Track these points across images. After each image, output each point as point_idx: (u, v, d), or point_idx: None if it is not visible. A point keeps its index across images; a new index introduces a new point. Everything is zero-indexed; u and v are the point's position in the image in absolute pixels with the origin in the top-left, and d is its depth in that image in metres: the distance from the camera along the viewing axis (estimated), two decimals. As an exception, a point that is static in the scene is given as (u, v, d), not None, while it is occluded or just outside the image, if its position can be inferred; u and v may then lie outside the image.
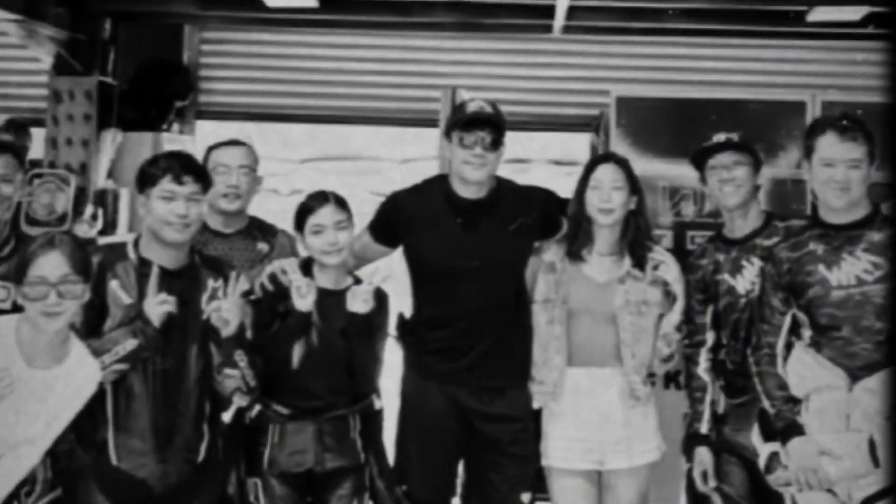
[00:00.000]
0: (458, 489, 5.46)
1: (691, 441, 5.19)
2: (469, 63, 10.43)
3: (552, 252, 5.21)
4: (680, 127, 6.62)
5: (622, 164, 5.17)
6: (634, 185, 5.13)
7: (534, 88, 10.45)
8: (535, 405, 5.17)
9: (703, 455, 5.13)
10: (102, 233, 8.72)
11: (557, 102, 10.40)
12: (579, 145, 9.87)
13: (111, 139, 9.36)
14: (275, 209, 6.43)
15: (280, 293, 4.91)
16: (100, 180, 9.22)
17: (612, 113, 6.86)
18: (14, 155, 5.29)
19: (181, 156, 4.78)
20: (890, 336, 4.45)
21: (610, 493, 5.11)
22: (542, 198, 5.39)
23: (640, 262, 5.13)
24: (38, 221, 8.09)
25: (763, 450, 4.72)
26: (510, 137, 5.23)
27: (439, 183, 5.36)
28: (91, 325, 4.51)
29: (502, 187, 5.29)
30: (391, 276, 5.12)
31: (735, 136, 5.23)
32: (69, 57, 9.19)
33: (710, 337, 5.18)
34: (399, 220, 5.28)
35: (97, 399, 4.44)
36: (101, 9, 9.48)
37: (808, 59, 10.18)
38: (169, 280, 4.56)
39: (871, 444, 4.39)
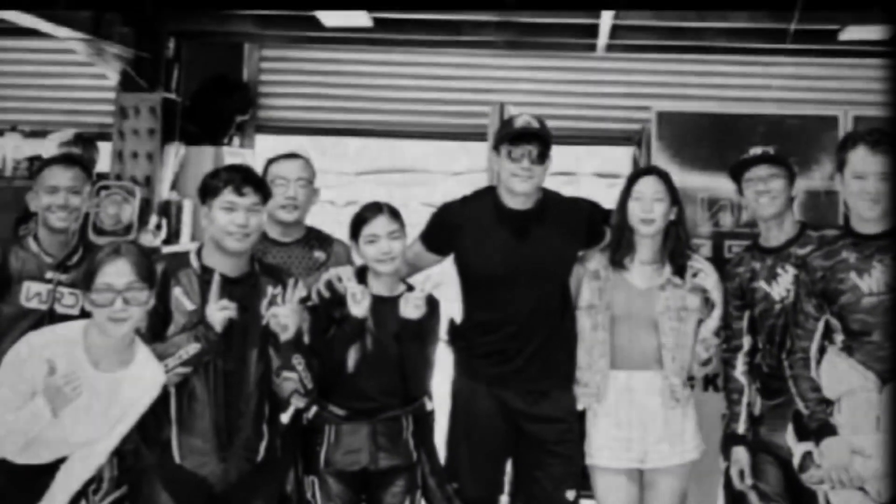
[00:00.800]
0: (507, 487, 5.53)
1: (729, 441, 5.26)
2: (517, 80, 10.49)
3: (596, 260, 5.30)
4: (718, 141, 6.63)
5: (663, 176, 5.25)
6: (675, 196, 5.20)
7: (578, 104, 10.49)
8: (580, 406, 5.26)
9: (740, 454, 5.20)
10: (166, 242, 8.82)
11: (601, 117, 10.44)
12: (622, 158, 9.93)
13: (174, 153, 9.46)
14: (331, 220, 6.55)
15: (336, 300, 4.99)
16: (164, 192, 9.32)
17: (653, 127, 6.90)
18: (82, 168, 5.43)
19: (241, 168, 4.89)
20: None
21: (651, 491, 5.20)
22: (587, 208, 5.47)
23: (680, 270, 5.21)
24: (104, 231, 8.18)
25: (797, 449, 4.80)
26: (556, 151, 5.31)
27: (488, 194, 5.44)
28: (155, 330, 4.62)
29: (548, 198, 5.38)
30: (442, 283, 5.14)
31: (771, 150, 5.30)
32: (135, 74, 9.28)
33: (746, 341, 5.25)
34: (450, 229, 5.37)
35: (161, 400, 4.55)
36: (165, 28, 9.58)
37: (841, 76, 10.16)
38: (230, 287, 4.66)
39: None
